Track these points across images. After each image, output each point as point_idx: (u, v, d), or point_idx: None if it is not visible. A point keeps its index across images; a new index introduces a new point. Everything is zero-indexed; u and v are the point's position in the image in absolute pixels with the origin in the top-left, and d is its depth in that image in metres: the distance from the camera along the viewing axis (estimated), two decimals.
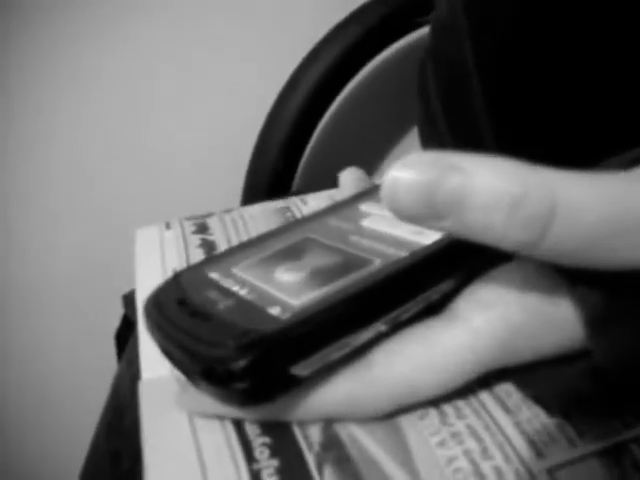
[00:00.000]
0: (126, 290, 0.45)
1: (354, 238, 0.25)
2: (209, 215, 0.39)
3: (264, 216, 0.38)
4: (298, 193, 0.43)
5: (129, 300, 0.47)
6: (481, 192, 0.18)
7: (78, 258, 0.73)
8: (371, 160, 0.79)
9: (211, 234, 0.36)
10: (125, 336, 0.49)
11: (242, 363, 0.19)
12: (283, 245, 0.26)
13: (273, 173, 0.59)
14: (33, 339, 0.75)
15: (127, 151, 0.72)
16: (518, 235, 0.18)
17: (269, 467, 0.21)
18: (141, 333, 0.28)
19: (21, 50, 0.65)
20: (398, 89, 0.72)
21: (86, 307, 0.74)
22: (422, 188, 0.18)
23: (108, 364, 0.51)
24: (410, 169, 0.18)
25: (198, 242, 0.36)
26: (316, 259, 0.24)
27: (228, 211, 0.39)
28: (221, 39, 0.70)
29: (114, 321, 0.51)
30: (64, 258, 0.73)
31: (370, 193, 0.29)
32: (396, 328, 0.22)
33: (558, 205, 0.18)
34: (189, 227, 0.37)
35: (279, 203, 0.40)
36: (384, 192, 0.19)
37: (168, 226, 0.38)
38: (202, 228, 0.37)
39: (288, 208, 0.39)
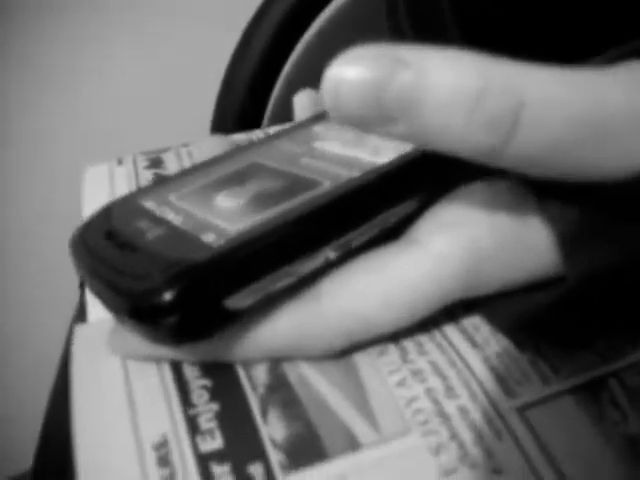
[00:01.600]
0: None
1: (304, 160, 0.23)
2: (165, 150, 0.36)
3: (222, 147, 0.35)
4: None
5: None
6: (437, 88, 0.15)
7: (38, 204, 0.71)
8: None
9: (164, 168, 0.34)
10: None
11: (169, 295, 0.17)
12: (228, 171, 0.23)
13: (240, 114, 0.56)
14: None
15: (98, 95, 0.69)
16: (480, 137, 0.15)
17: (208, 411, 0.19)
18: None
19: None
20: (369, 22, 0.68)
21: (51, 254, 0.71)
22: (369, 86, 0.15)
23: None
24: (355, 64, 0.16)
25: (151, 177, 0.33)
26: (260, 184, 0.22)
27: (185, 145, 0.36)
28: None
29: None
30: (26, 206, 0.71)
31: (326, 115, 0.26)
32: (348, 256, 0.20)
33: (525, 101, 0.15)
34: (142, 162, 0.34)
35: (241, 136, 0.37)
36: (325, 92, 0.16)
37: (120, 162, 0.35)
38: (155, 162, 0.34)
39: (250, 140, 0.36)
